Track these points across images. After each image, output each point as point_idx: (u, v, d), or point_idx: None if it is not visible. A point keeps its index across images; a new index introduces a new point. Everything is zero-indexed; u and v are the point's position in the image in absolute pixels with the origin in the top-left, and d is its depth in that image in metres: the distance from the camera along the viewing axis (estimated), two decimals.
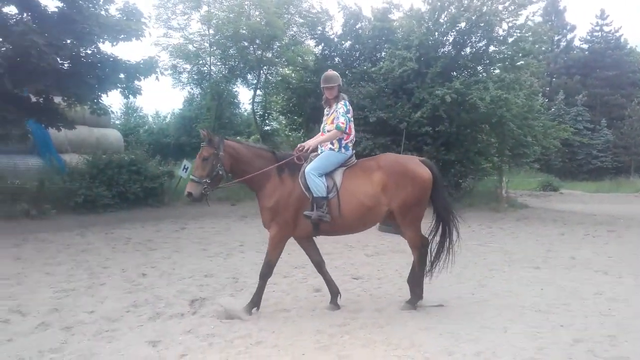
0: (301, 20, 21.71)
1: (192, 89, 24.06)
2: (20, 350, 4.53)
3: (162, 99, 62.41)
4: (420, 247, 6.01)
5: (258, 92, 23.48)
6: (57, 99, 12.65)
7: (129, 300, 6.22)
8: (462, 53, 18.52)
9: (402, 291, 6.68)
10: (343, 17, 20.53)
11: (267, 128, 24.84)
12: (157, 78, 13.06)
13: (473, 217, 15.93)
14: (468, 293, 6.96)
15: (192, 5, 20.62)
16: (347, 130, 5.90)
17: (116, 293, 6.55)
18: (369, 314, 5.88)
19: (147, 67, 12.77)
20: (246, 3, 20.18)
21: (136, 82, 12.89)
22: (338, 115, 5.91)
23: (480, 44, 18.35)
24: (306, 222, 5.74)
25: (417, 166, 5.92)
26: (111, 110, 14.75)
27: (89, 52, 12.11)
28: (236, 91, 26.53)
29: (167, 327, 5.28)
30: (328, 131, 5.98)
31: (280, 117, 24.89)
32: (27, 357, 4.38)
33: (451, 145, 17.92)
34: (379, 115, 17.32)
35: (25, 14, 11.16)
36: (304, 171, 5.77)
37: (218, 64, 22.09)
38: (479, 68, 18.87)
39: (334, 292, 6.16)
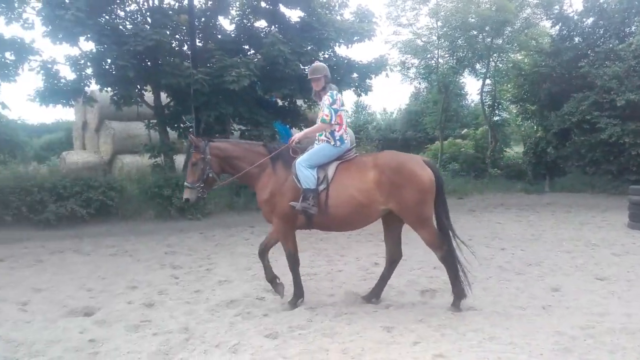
0: (536, 1, 20.29)
1: (420, 83, 24.26)
2: (274, 324, 5.14)
3: (389, 96, 64.47)
4: (440, 245, 5.62)
5: (487, 81, 22.63)
6: (299, 102, 13.96)
7: (364, 287, 6.58)
8: None
9: None
10: None
11: (496, 118, 23.78)
12: (387, 75, 13.57)
13: None
14: None
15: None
16: (332, 122, 5.76)
17: (352, 279, 7.00)
18: (616, 317, 5.29)
19: (378, 66, 13.33)
20: None
21: (367, 81, 13.54)
22: (323, 108, 5.83)
23: None
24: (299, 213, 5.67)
25: (417, 166, 5.61)
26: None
27: (326, 56, 13.09)
28: (463, 82, 25.96)
29: (399, 314, 5.47)
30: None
31: (511, 106, 23.63)
32: (279, 330, 4.96)
33: None
34: (628, 98, 15.33)
35: (273, 27, 12.52)
36: (295, 162, 5.73)
37: (446, 55, 21.88)
38: None
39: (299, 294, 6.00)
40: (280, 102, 13.55)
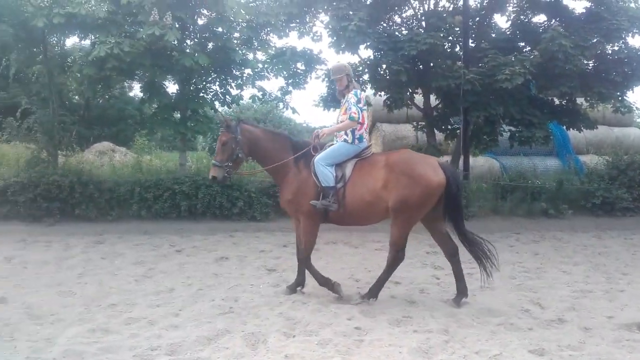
0: None
1: None
2: (540, 340, 4.78)
3: None
4: (398, 250, 5.83)
5: None
6: (579, 100, 12.69)
7: None
8: None
9: None
10: None
11: None
12: None
13: None
14: None
15: None
16: (360, 120, 5.88)
17: (638, 302, 6.08)
18: None
19: None
20: None
21: None
22: (350, 106, 5.92)
23: None
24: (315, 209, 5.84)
25: (428, 168, 5.67)
26: (635, 107, 13.72)
27: (615, 48, 11.63)
28: None
29: None
30: (341, 122, 6.04)
31: None
32: (547, 348, 4.58)
33: None
34: None
35: (553, 20, 11.64)
36: (314, 160, 5.86)
37: None
38: None
39: (300, 282, 6.36)
40: (557, 101, 12.52)
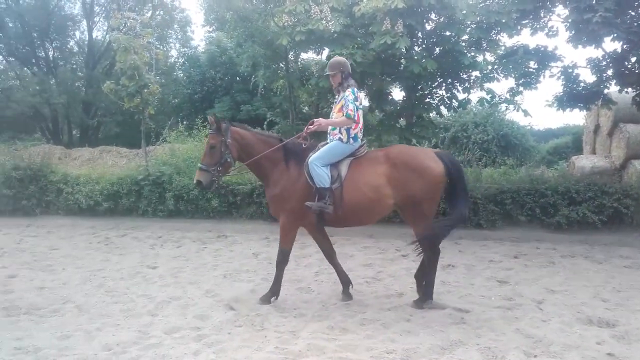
0: None
1: None
2: None
3: None
4: (432, 245, 5.72)
5: None
6: None
7: None
8: None
9: None
10: None
11: None
12: None
13: None
14: None
15: None
16: (355, 119, 5.69)
17: None
18: None
19: None
20: None
21: None
22: (347, 103, 5.72)
23: None
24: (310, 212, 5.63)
25: (429, 159, 5.63)
26: None
27: None
28: None
29: None
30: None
31: None
32: None
33: None
34: None
35: None
36: (308, 161, 5.62)
37: None
38: None
39: (345, 282, 6.27)
40: None
